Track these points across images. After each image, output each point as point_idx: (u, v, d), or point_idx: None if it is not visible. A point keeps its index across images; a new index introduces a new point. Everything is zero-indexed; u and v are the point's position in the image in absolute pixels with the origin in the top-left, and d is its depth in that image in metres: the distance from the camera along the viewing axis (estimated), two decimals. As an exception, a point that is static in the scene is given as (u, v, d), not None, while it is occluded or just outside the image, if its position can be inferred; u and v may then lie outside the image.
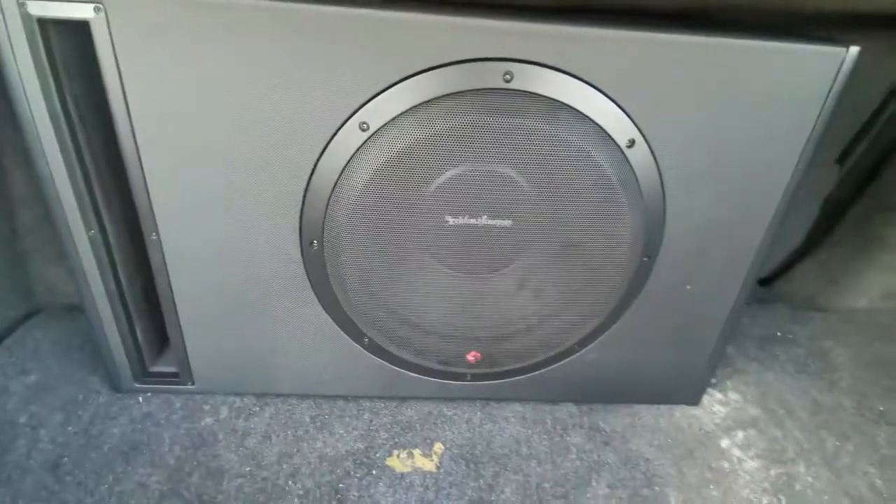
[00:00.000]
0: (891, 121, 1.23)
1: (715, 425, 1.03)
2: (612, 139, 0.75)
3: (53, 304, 1.18)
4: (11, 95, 0.70)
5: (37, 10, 0.65)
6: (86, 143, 0.76)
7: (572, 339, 0.94)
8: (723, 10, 1.02)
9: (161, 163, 0.75)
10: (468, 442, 0.95)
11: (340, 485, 0.86)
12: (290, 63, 0.69)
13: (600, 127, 0.74)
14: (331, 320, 0.89)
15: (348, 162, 0.75)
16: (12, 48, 0.67)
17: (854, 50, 0.72)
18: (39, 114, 0.71)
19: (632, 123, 0.75)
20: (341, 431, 0.95)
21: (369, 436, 0.94)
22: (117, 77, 0.68)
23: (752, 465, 0.95)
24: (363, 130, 0.73)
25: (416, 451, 0.92)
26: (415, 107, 0.71)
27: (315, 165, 0.75)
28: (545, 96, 0.72)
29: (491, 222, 0.81)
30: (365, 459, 0.90)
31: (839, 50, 0.73)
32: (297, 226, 0.80)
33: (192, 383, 0.97)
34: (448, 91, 0.71)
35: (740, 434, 1.02)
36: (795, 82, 0.74)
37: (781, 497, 0.90)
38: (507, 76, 0.70)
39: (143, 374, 0.97)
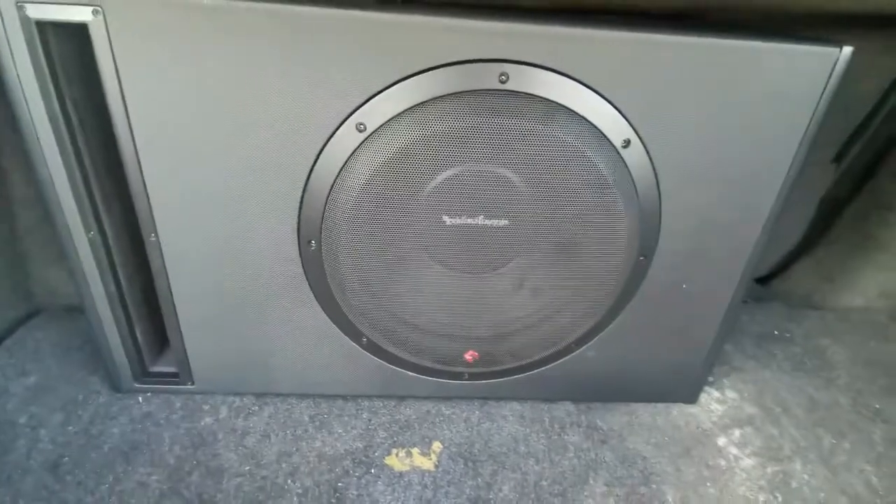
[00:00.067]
0: (886, 120, 1.23)
1: (712, 423, 1.04)
2: (608, 139, 0.76)
3: (53, 305, 1.18)
4: (11, 98, 0.70)
5: (35, 13, 0.66)
6: (85, 145, 0.76)
7: (570, 338, 0.95)
8: (717, 11, 1.02)
9: (160, 164, 0.75)
10: (466, 441, 0.96)
11: (339, 483, 0.86)
12: (288, 65, 0.69)
13: (596, 127, 0.75)
14: (329, 320, 0.89)
15: (346, 163, 0.75)
16: (11, 51, 0.67)
17: (847, 50, 0.73)
18: (39, 116, 0.71)
19: (627, 123, 0.75)
20: (340, 431, 0.95)
21: (368, 435, 0.95)
22: (116, 79, 0.69)
23: (748, 462, 0.96)
24: (360, 131, 0.73)
25: (415, 450, 0.93)
26: (411, 108, 0.72)
27: (313, 166, 0.75)
28: (541, 97, 0.72)
29: (488, 222, 0.82)
30: (364, 458, 0.91)
31: (832, 50, 0.73)
32: (296, 226, 0.80)
33: (192, 383, 0.97)
34: (444, 92, 0.71)
35: (737, 432, 1.02)
36: (789, 82, 0.75)
37: (778, 494, 0.90)
38: (503, 77, 0.71)
39: (142, 375, 0.97)
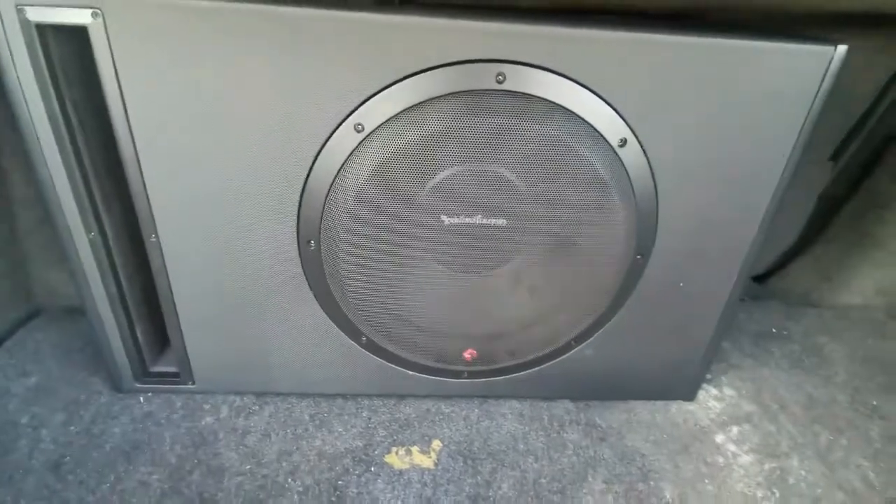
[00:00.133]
0: (883, 118, 1.24)
1: (710, 420, 1.04)
2: (604, 139, 0.76)
3: (53, 306, 1.19)
4: (11, 100, 0.71)
5: (35, 16, 0.66)
6: (85, 146, 0.77)
7: (568, 337, 0.95)
8: (715, 11, 1.03)
9: (159, 165, 0.76)
10: (466, 439, 0.96)
11: (339, 482, 0.87)
12: (286, 66, 0.70)
13: (592, 127, 0.75)
14: (328, 319, 0.90)
15: (344, 163, 0.76)
16: (12, 54, 0.68)
17: (842, 48, 0.73)
18: (39, 118, 0.72)
19: (623, 123, 0.76)
20: (340, 429, 0.96)
21: (368, 433, 0.95)
22: (115, 81, 0.69)
23: (746, 459, 0.97)
24: (358, 132, 0.74)
25: (415, 448, 0.93)
26: (409, 108, 0.72)
27: (311, 166, 0.76)
28: (537, 97, 0.73)
29: (486, 221, 0.82)
30: (364, 457, 0.91)
31: (827, 49, 0.74)
32: (295, 226, 0.81)
33: (193, 383, 0.98)
34: (442, 92, 0.72)
35: (735, 429, 1.03)
36: (785, 81, 0.75)
37: (775, 490, 0.91)
38: (500, 77, 0.71)
39: (143, 375, 0.98)
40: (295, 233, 0.81)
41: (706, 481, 0.92)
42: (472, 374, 0.99)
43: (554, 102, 0.73)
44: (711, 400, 1.09)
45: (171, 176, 0.76)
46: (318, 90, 0.71)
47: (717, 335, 0.98)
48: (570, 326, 0.94)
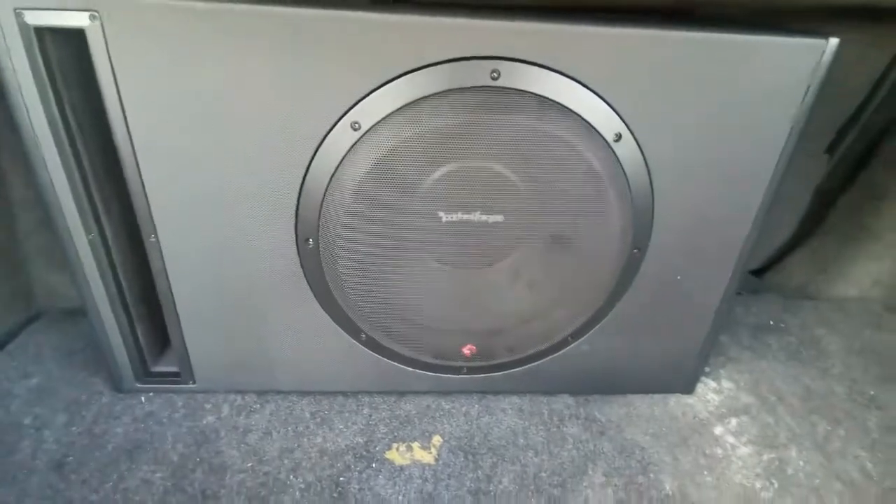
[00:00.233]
0: (878, 111, 1.24)
1: (709, 413, 1.05)
2: (599, 133, 0.77)
3: (54, 308, 1.19)
4: (10, 102, 0.71)
5: (34, 19, 0.67)
6: (84, 147, 0.77)
7: (566, 331, 0.96)
8: (707, 6, 1.03)
9: (158, 166, 0.76)
10: (466, 434, 0.97)
11: (341, 478, 0.87)
12: (282, 66, 0.70)
13: (587, 122, 0.76)
14: (328, 317, 0.90)
15: (341, 161, 0.76)
16: (10, 57, 0.68)
17: (833, 42, 0.74)
18: (38, 120, 0.72)
19: (618, 118, 0.76)
20: (341, 426, 0.96)
21: (368, 430, 0.96)
22: (113, 82, 0.70)
23: (744, 450, 0.97)
24: (355, 130, 0.74)
25: (415, 444, 0.94)
26: (405, 106, 0.73)
27: (309, 165, 0.77)
28: (532, 93, 0.73)
29: (484, 218, 0.83)
30: (365, 453, 0.92)
31: (819, 42, 0.74)
32: (293, 225, 0.81)
33: (194, 382, 0.98)
34: (437, 90, 0.72)
35: (733, 421, 1.03)
36: (777, 75, 0.76)
37: (774, 481, 0.92)
38: (495, 74, 0.72)
39: (144, 375, 0.98)
40: (293, 231, 0.82)
41: (705, 473, 0.93)
42: (471, 370, 1.00)
43: (548, 98, 0.74)
44: (710, 393, 1.10)
45: (169, 176, 0.77)
46: (314, 89, 0.71)
47: (714, 328, 0.99)
48: (568, 321, 0.95)
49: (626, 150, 0.79)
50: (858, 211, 1.37)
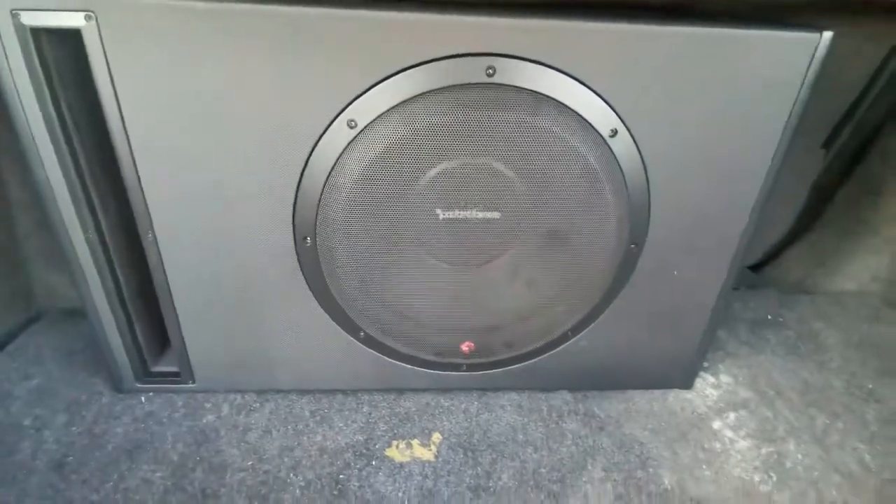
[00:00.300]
0: (874, 105, 1.25)
1: (707, 408, 1.05)
2: (595, 129, 0.77)
3: (54, 309, 1.19)
4: (7, 103, 0.72)
5: (30, 20, 0.67)
6: (81, 147, 0.78)
7: (564, 327, 0.96)
8: (707, 1, 1.03)
9: (155, 165, 0.76)
10: (465, 431, 0.97)
11: (341, 476, 0.88)
12: (278, 64, 0.70)
13: (582, 117, 0.76)
14: (326, 315, 0.90)
15: (338, 159, 0.76)
16: (7, 58, 0.69)
17: (827, 35, 0.74)
18: (35, 120, 0.73)
19: (613, 113, 0.77)
20: (341, 424, 0.97)
21: (368, 428, 0.96)
22: (109, 82, 0.70)
23: (743, 444, 0.97)
24: (351, 128, 0.74)
25: (415, 442, 0.94)
26: (401, 103, 0.73)
27: (306, 163, 0.77)
28: (527, 89, 0.74)
29: (481, 215, 0.83)
30: (364, 451, 0.92)
31: (813, 35, 0.75)
32: (291, 223, 0.81)
33: (193, 382, 0.98)
34: (433, 87, 0.72)
35: (732, 415, 1.04)
36: (772, 68, 0.76)
37: (772, 474, 0.92)
38: (490, 70, 0.72)
39: (144, 375, 0.98)
40: (291, 229, 0.82)
41: (704, 467, 0.93)
42: (470, 367, 1.00)
43: (543, 94, 0.74)
44: (708, 388, 1.10)
45: (166, 175, 0.77)
46: (309, 87, 0.72)
47: (712, 323, 0.99)
48: (567, 317, 0.95)
49: (622, 146, 0.79)
50: (855, 205, 1.38)
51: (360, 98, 0.73)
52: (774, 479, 0.91)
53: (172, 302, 0.88)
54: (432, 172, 0.78)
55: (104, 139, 0.75)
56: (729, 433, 1.00)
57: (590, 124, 0.77)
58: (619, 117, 0.77)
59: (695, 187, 0.84)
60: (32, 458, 0.87)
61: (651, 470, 0.92)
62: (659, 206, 0.85)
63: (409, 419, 0.98)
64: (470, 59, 0.71)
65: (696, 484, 0.90)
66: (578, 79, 0.74)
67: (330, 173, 0.77)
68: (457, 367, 1.00)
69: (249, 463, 0.89)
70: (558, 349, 0.99)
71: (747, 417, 1.03)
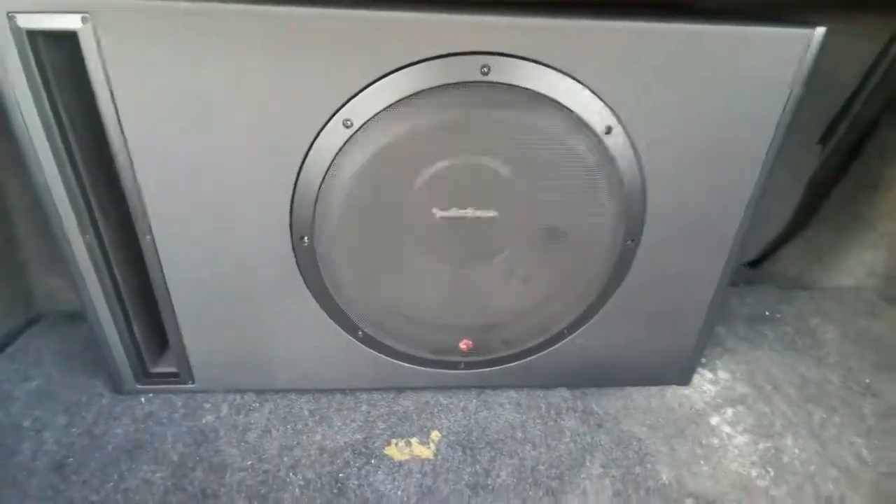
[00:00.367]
0: (869, 101, 1.25)
1: (705, 404, 1.06)
2: (590, 126, 0.78)
3: (53, 311, 1.20)
4: (5, 106, 0.72)
5: (26, 22, 0.67)
6: (78, 149, 0.78)
7: (561, 325, 0.96)
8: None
9: (152, 166, 0.77)
10: (464, 429, 0.97)
11: (340, 474, 0.88)
12: (273, 65, 0.71)
13: (577, 115, 0.77)
14: (325, 314, 0.91)
15: (334, 158, 0.77)
16: (4, 60, 0.69)
17: (820, 31, 0.75)
18: (33, 123, 0.73)
19: (608, 110, 0.77)
20: (340, 424, 0.97)
21: (367, 427, 0.97)
22: (106, 84, 0.71)
23: (741, 440, 0.98)
24: (347, 127, 0.75)
25: (414, 440, 0.95)
26: (396, 103, 0.74)
27: (302, 163, 0.77)
28: (522, 87, 0.74)
29: (477, 213, 0.83)
30: (363, 449, 0.92)
31: (806, 31, 0.75)
32: (288, 222, 0.82)
33: (193, 382, 0.99)
34: (427, 86, 0.73)
35: (730, 411, 1.04)
36: (765, 65, 0.76)
37: (770, 469, 0.92)
38: (485, 69, 0.73)
39: (143, 376, 0.99)
40: (288, 229, 0.82)
41: (701, 462, 0.93)
42: (468, 365, 1.00)
43: (538, 92, 0.74)
44: (706, 384, 1.11)
45: (163, 176, 0.78)
46: (305, 87, 0.72)
47: (709, 319, 1.00)
48: (564, 315, 0.96)
49: (617, 143, 0.79)
50: (852, 200, 1.38)
51: (356, 98, 0.73)
52: (772, 473, 0.92)
53: (171, 303, 0.89)
54: (428, 171, 0.79)
55: (102, 141, 0.75)
56: (727, 428, 1.00)
57: (584, 121, 0.77)
58: (614, 114, 0.78)
59: (690, 183, 0.84)
60: (33, 459, 0.88)
61: (649, 466, 0.92)
62: (655, 202, 0.85)
63: (408, 418, 0.99)
64: (464, 57, 0.72)
65: (693, 479, 0.90)
66: (572, 76, 0.75)
67: (326, 173, 0.78)
68: (455, 366, 1.00)
69: (249, 462, 0.89)
70: (556, 346, 0.99)
71: (745, 413, 1.04)
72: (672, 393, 1.08)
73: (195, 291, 0.88)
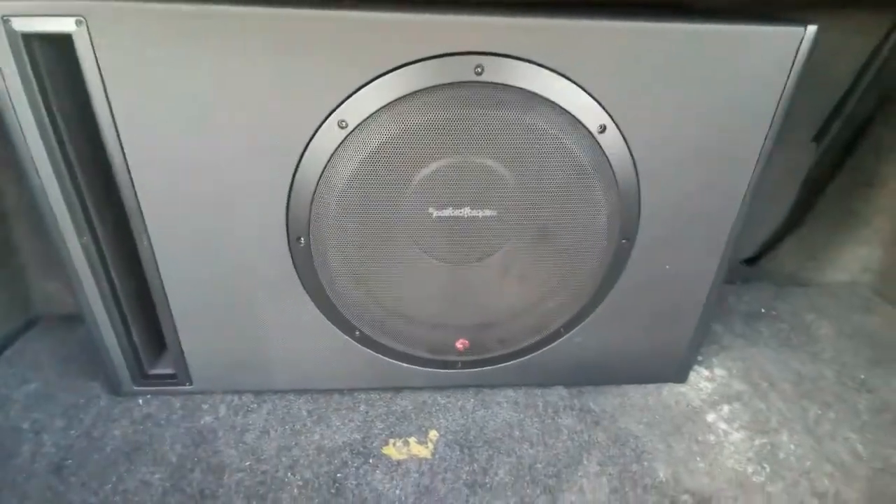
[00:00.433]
0: (863, 98, 1.25)
1: (701, 401, 1.06)
2: (584, 125, 0.78)
3: (51, 314, 1.20)
4: (0, 109, 0.72)
5: (21, 25, 0.67)
6: (74, 152, 0.78)
7: (557, 323, 0.97)
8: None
9: (148, 168, 0.77)
10: (462, 428, 0.98)
11: (338, 474, 0.88)
12: (268, 66, 0.71)
13: (571, 114, 0.77)
14: (322, 315, 0.91)
15: (329, 159, 0.77)
16: (-1, 64, 0.69)
17: (812, 29, 0.75)
18: (28, 126, 0.73)
19: (602, 109, 0.77)
20: (338, 424, 0.97)
21: (365, 426, 0.97)
22: (101, 87, 0.71)
23: (737, 436, 0.98)
24: (342, 128, 0.75)
25: (412, 439, 0.95)
26: (391, 103, 0.74)
27: (298, 164, 0.77)
28: (515, 87, 0.74)
29: (473, 213, 0.84)
30: (361, 449, 0.93)
31: (798, 29, 0.75)
32: (284, 223, 0.82)
33: (190, 383, 0.99)
34: (422, 86, 0.73)
35: (726, 408, 1.05)
36: (758, 63, 0.77)
37: (766, 465, 0.93)
38: (479, 69, 0.73)
39: (141, 377, 0.99)
40: (284, 230, 0.83)
41: (698, 459, 0.94)
42: (465, 365, 1.01)
43: (531, 92, 0.75)
44: (703, 381, 1.11)
45: (159, 178, 0.78)
46: (299, 88, 0.72)
47: (705, 317, 1.00)
48: (560, 313, 0.96)
49: (611, 142, 0.80)
50: (847, 197, 1.39)
51: (351, 98, 0.73)
52: (768, 470, 0.92)
53: (168, 305, 0.89)
54: (424, 171, 0.79)
55: (97, 144, 0.75)
56: (723, 425, 1.01)
57: (578, 120, 0.78)
58: (608, 113, 0.78)
59: (684, 181, 0.85)
60: (31, 461, 0.88)
61: (646, 463, 0.93)
62: (649, 200, 0.86)
63: (406, 417, 0.99)
64: (458, 58, 0.72)
65: (690, 476, 0.91)
66: (566, 76, 0.75)
67: (322, 173, 0.78)
68: (452, 365, 1.00)
69: (247, 463, 0.89)
70: (553, 345, 1.00)
71: (741, 409, 1.04)
72: (669, 390, 1.08)
73: (192, 293, 0.88)
